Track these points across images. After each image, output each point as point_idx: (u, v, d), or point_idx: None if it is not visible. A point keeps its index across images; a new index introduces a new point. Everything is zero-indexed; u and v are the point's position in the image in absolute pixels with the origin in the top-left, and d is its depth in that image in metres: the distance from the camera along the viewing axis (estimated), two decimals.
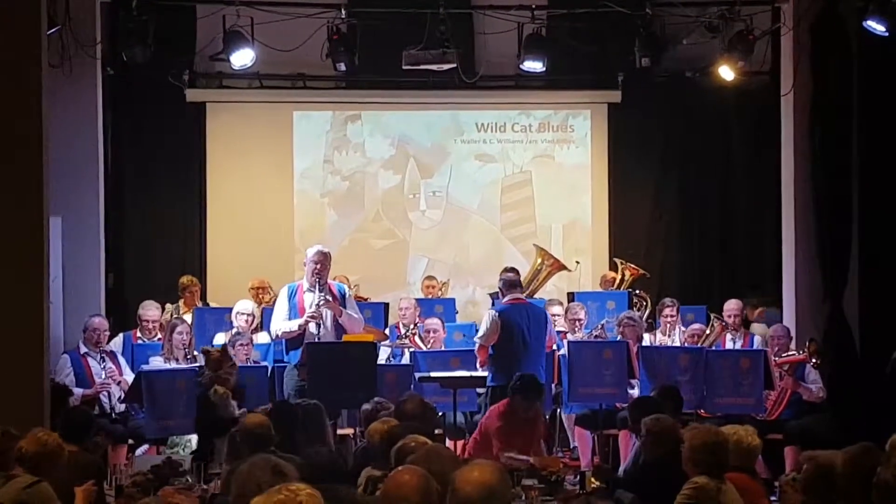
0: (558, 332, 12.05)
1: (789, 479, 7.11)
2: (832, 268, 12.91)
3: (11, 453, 6.70)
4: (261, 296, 13.15)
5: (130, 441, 11.00)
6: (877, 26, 12.23)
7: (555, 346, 11.51)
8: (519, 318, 11.04)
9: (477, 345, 11.19)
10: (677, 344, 12.31)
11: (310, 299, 10.76)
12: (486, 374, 11.10)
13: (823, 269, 12.93)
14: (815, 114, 12.95)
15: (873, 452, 6.08)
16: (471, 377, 11.11)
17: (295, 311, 10.83)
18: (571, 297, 13.31)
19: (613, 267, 14.22)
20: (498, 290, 11.52)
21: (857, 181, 13.02)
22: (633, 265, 13.89)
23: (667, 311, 12.69)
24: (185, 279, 13.40)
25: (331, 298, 10.76)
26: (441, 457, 5.38)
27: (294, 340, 10.79)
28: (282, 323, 10.86)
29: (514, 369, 10.55)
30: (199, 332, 12.18)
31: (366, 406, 8.92)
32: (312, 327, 10.66)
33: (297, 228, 15.04)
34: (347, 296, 11.13)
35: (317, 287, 10.74)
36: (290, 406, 8.88)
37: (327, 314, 10.78)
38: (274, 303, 11.48)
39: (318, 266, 10.79)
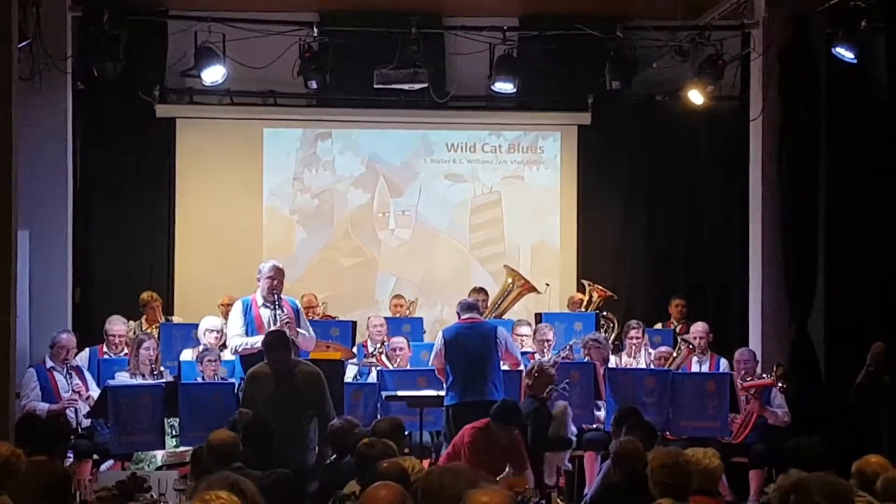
0: (525, 354, 12.06)
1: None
2: (798, 292, 12.98)
3: None
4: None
5: (95, 456, 10.95)
6: (845, 53, 12.34)
7: (521, 367, 11.49)
8: (463, 339, 11.08)
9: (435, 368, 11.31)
10: (642, 366, 12.34)
11: (266, 315, 10.66)
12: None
13: (789, 294, 13.01)
14: (784, 139, 13.05)
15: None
16: (437, 396, 11.11)
17: (252, 326, 10.68)
18: (539, 318, 13.31)
19: (581, 288, 14.25)
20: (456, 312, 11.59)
21: (824, 206, 13.11)
22: (600, 287, 13.92)
23: (632, 332, 12.72)
24: (145, 295, 13.33)
25: (292, 318, 10.69)
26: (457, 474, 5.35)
27: (251, 357, 10.50)
28: (240, 339, 10.70)
29: (462, 387, 10.76)
30: (166, 348, 12.15)
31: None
32: None
33: (265, 245, 14.97)
34: (301, 312, 11.07)
35: (276, 305, 10.66)
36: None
37: None
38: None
39: (276, 282, 10.75)
